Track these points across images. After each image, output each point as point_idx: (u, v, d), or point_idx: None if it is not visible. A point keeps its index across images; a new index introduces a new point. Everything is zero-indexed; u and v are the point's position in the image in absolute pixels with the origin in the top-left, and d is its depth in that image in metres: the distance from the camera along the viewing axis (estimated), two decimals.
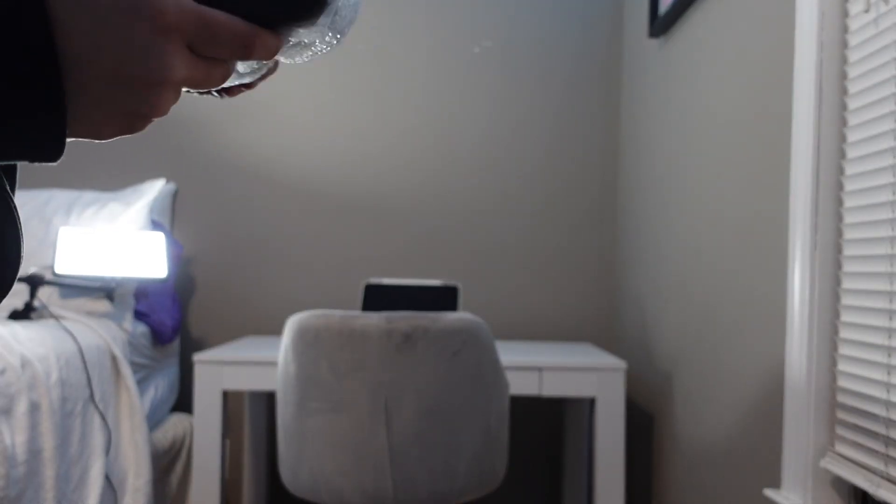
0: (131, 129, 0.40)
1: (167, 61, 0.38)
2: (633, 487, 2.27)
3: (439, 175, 2.56)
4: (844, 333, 1.18)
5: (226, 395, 1.94)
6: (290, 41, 0.44)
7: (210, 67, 0.41)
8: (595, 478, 1.91)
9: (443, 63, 2.56)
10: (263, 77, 0.49)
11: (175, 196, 2.55)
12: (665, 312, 2.00)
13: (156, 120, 0.43)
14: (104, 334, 1.93)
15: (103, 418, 1.76)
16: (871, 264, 1.11)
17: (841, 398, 1.18)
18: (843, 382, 1.17)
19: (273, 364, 1.91)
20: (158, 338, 2.28)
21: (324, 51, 0.47)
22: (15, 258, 0.43)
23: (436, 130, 2.56)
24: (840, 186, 1.20)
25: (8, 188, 0.43)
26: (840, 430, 1.18)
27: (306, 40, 0.45)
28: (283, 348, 1.61)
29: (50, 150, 0.37)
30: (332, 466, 1.55)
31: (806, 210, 1.22)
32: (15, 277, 0.44)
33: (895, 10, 1.06)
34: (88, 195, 2.34)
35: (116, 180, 2.55)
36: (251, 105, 2.55)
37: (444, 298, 1.86)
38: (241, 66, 0.46)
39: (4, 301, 2.03)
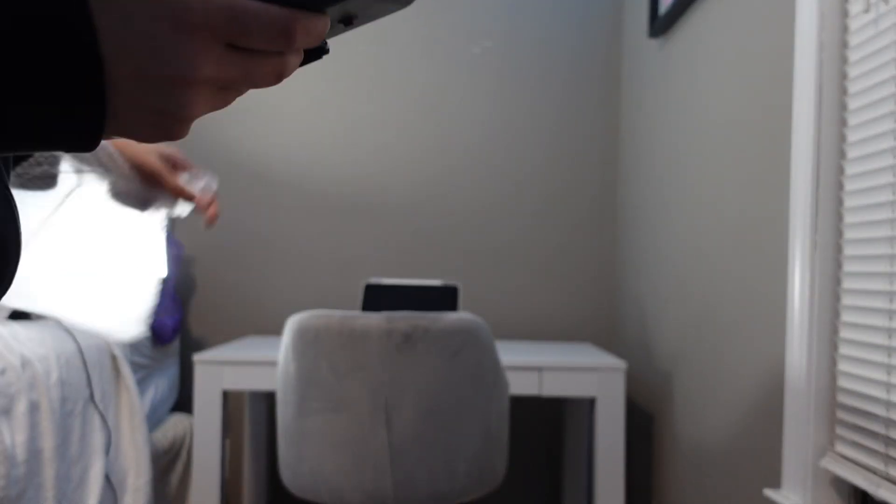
0: (169, 132, 0.40)
1: (191, 60, 0.37)
2: (633, 487, 2.27)
3: (439, 175, 2.56)
4: (844, 333, 1.18)
5: (226, 395, 1.94)
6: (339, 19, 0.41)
7: (252, 61, 0.39)
8: (595, 478, 1.91)
9: (443, 63, 2.56)
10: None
11: None
12: (665, 312, 2.00)
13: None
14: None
15: (103, 418, 1.76)
16: (871, 264, 1.11)
17: (841, 398, 1.18)
18: (843, 382, 1.17)
19: (273, 364, 1.91)
20: (158, 338, 2.28)
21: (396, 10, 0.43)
22: (14, 254, 0.43)
23: (436, 130, 2.56)
24: (840, 186, 1.20)
25: (7, 183, 0.43)
26: (840, 430, 1.18)
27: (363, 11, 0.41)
28: (283, 348, 1.61)
29: (87, 139, 0.37)
30: (332, 466, 1.55)
31: (806, 210, 1.22)
32: (14, 274, 0.44)
33: (895, 10, 1.06)
34: None
35: None
36: (251, 105, 2.55)
37: (444, 298, 1.86)
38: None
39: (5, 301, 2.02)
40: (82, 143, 0.38)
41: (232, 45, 0.38)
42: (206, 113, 0.40)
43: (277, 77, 0.41)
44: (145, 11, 0.36)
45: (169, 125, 0.39)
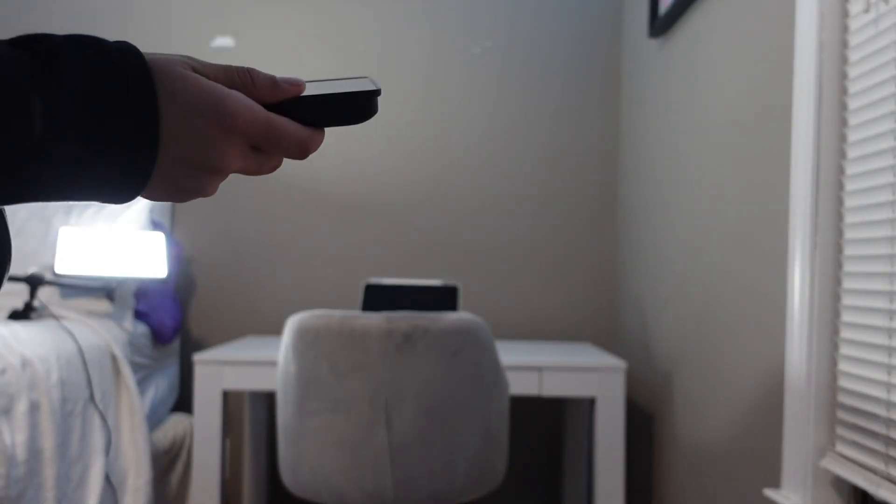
0: (179, 200, 0.47)
1: (227, 157, 0.46)
2: (633, 487, 2.27)
3: (439, 175, 2.56)
4: (845, 333, 1.18)
5: (226, 395, 1.94)
6: None
7: (265, 160, 0.49)
8: (595, 478, 1.91)
9: (443, 63, 2.56)
10: None
11: None
12: (665, 312, 2.00)
13: None
14: (104, 334, 1.93)
15: (103, 418, 1.76)
16: (871, 264, 1.11)
17: (841, 398, 1.18)
18: (843, 382, 1.17)
19: (273, 364, 1.91)
20: (159, 338, 2.28)
21: None
22: (7, 259, 0.46)
23: (436, 130, 2.56)
24: (840, 186, 1.20)
25: None
26: (840, 430, 1.18)
27: None
28: (283, 348, 1.61)
29: (125, 199, 0.45)
30: (333, 466, 1.55)
31: (806, 210, 1.22)
32: (5, 276, 0.46)
33: (895, 10, 1.06)
34: None
35: None
36: None
37: (444, 298, 1.86)
38: None
39: (5, 301, 2.03)
40: (120, 201, 0.45)
41: (255, 146, 0.47)
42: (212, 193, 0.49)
43: (273, 170, 0.50)
44: (201, 113, 0.44)
45: (182, 197, 0.47)
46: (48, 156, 0.40)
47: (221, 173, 0.46)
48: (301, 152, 0.48)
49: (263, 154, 0.48)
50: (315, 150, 0.49)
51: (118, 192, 0.44)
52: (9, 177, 0.39)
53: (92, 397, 1.74)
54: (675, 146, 1.94)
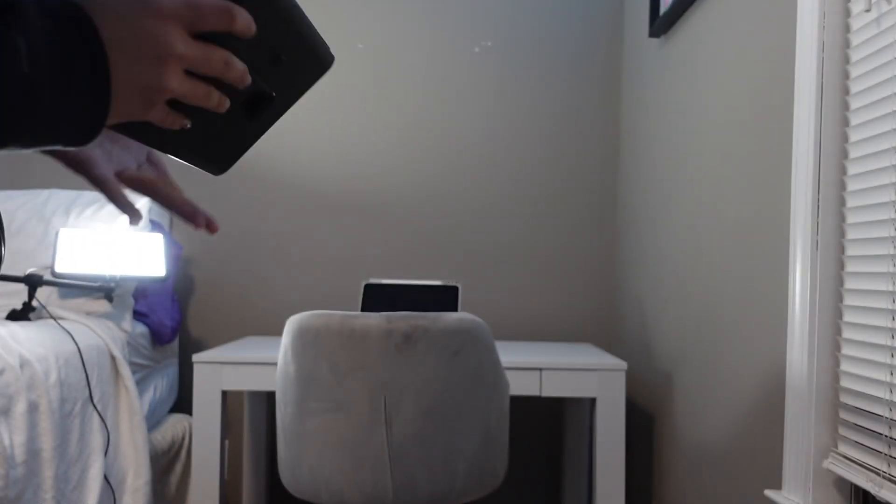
0: (147, 104, 0.52)
1: (168, 39, 0.51)
2: (633, 487, 2.27)
3: (439, 175, 2.55)
4: (847, 334, 1.17)
5: (225, 395, 1.93)
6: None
7: (207, 48, 0.53)
8: (595, 478, 1.90)
9: (443, 63, 2.55)
10: None
11: None
12: (665, 312, 2.00)
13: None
14: (103, 335, 1.92)
15: (102, 419, 1.76)
16: (873, 264, 1.11)
17: (843, 398, 1.17)
18: (845, 383, 1.17)
19: (273, 364, 1.91)
20: (158, 338, 2.27)
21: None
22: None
23: (436, 130, 2.55)
24: (842, 186, 1.20)
25: None
26: (842, 431, 1.18)
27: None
28: (282, 348, 1.60)
29: (101, 116, 0.49)
30: (332, 466, 1.54)
31: (807, 210, 1.22)
32: None
33: None
34: (88, 195, 2.34)
35: None
36: None
37: (444, 298, 1.85)
38: None
39: (3, 301, 2.02)
40: (98, 119, 0.49)
41: (193, 34, 0.52)
42: (178, 92, 0.52)
43: (226, 65, 0.54)
44: (129, 10, 0.50)
45: (150, 97, 0.51)
46: (36, 89, 0.46)
47: (170, 55, 0.51)
48: (228, 18, 0.53)
49: (201, 42, 0.53)
50: (243, 20, 0.53)
51: (92, 111, 0.49)
52: (9, 111, 0.46)
53: (91, 398, 1.74)
54: (675, 146, 1.94)
